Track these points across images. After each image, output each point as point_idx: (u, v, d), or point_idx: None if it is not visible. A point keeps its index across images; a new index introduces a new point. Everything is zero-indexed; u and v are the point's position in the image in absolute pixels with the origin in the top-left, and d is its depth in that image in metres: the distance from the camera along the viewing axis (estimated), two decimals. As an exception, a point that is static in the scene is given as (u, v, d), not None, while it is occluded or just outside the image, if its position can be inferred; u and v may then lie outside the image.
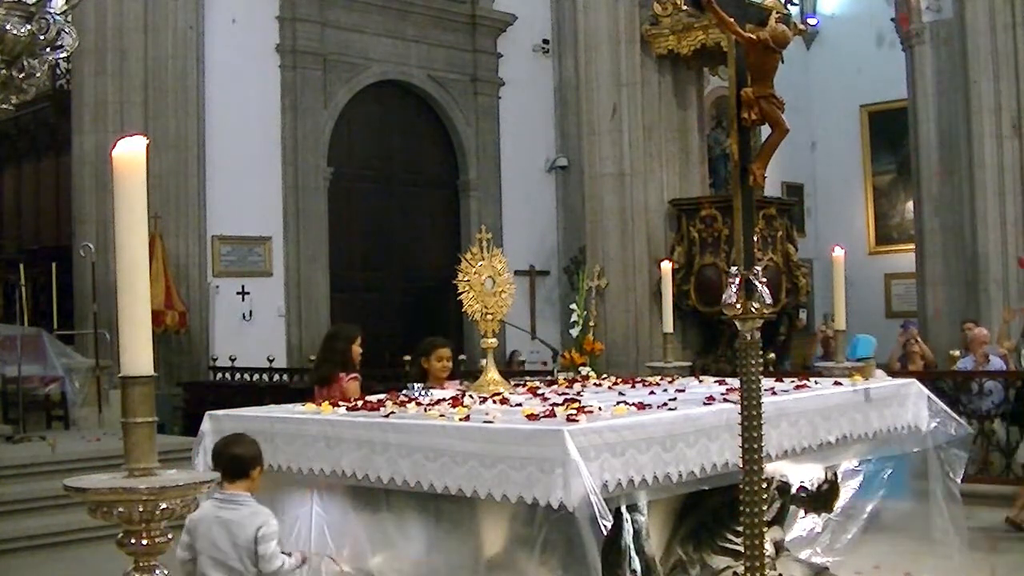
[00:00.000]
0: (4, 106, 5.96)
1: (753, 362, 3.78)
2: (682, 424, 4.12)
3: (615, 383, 5.76)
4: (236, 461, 4.16)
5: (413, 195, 16.33)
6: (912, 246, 16.09)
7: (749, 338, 3.80)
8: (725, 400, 4.42)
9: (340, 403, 4.90)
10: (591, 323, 7.09)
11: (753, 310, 3.78)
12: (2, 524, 7.96)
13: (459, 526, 4.08)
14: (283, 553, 4.14)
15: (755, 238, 4.49)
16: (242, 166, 14.02)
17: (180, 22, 13.20)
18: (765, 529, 3.82)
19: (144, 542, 2.29)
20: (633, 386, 5.54)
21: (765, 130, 4.03)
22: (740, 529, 3.88)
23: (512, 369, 12.16)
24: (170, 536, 2.38)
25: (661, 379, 6.01)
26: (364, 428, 4.28)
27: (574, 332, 6.82)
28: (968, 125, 12.93)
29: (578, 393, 5.05)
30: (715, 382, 5.72)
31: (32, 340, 11.55)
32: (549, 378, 6.21)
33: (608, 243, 11.05)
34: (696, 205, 10.77)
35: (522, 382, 5.97)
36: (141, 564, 2.32)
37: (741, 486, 3.79)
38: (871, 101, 19.39)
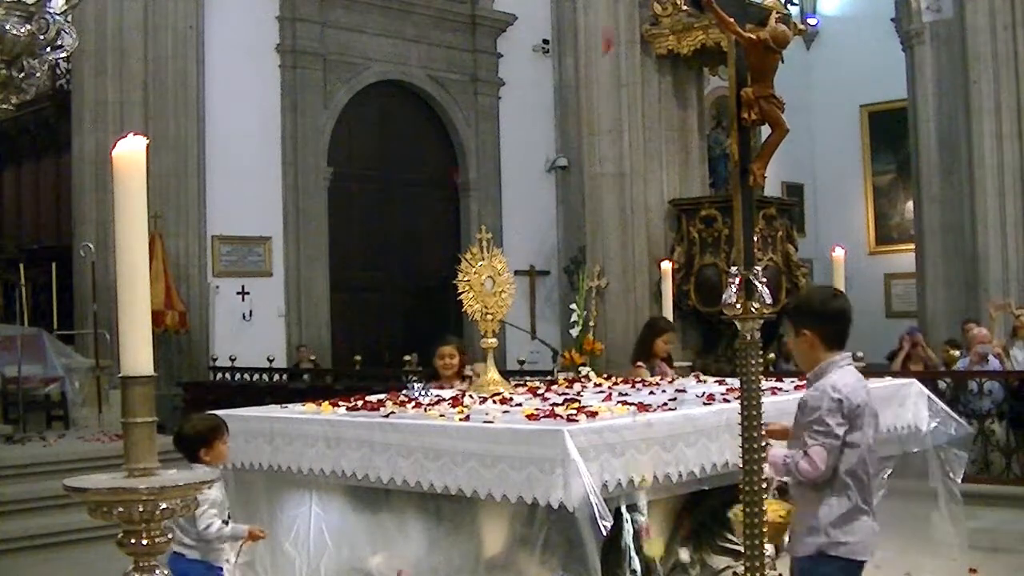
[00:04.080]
0: (4, 106, 5.94)
1: (753, 362, 3.78)
2: (682, 424, 4.12)
3: (615, 383, 5.76)
4: (180, 445, 4.49)
5: (413, 195, 16.33)
6: (912, 246, 16.08)
7: (749, 338, 3.80)
8: (725, 400, 4.43)
9: (340, 403, 4.90)
10: (591, 323, 7.09)
11: (753, 310, 3.78)
12: (2, 524, 7.96)
13: (459, 526, 4.08)
14: (223, 522, 4.39)
15: (755, 238, 4.49)
16: (242, 166, 14.01)
17: (180, 22, 13.19)
18: (765, 529, 3.82)
19: (144, 542, 2.29)
20: (633, 386, 5.54)
21: (765, 130, 4.02)
22: (740, 529, 3.88)
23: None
24: (170, 536, 2.38)
25: (661, 379, 6.02)
26: (364, 428, 4.28)
27: (574, 332, 6.82)
28: (968, 125, 12.91)
29: (578, 393, 5.05)
30: (715, 382, 5.72)
31: (32, 340, 11.55)
32: (549, 378, 6.22)
33: (608, 243, 11.04)
34: (696, 205, 10.76)
35: (522, 382, 5.97)
36: (141, 564, 2.32)
37: (741, 486, 3.79)
38: (871, 101, 19.38)
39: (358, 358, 12.91)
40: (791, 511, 3.94)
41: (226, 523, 4.48)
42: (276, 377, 12.90)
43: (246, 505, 4.79)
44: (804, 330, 3.75)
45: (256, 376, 12.88)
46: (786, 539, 3.98)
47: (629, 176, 10.91)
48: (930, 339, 12.17)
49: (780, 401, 4.61)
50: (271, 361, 12.96)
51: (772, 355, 9.66)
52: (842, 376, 3.73)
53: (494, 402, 4.70)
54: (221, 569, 4.54)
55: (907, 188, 17.97)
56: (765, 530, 3.86)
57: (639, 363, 6.56)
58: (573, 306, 6.96)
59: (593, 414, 4.05)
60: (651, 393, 5.04)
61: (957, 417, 5.61)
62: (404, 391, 5.33)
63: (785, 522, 3.99)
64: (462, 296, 5.25)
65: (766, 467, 3.80)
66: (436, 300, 14.58)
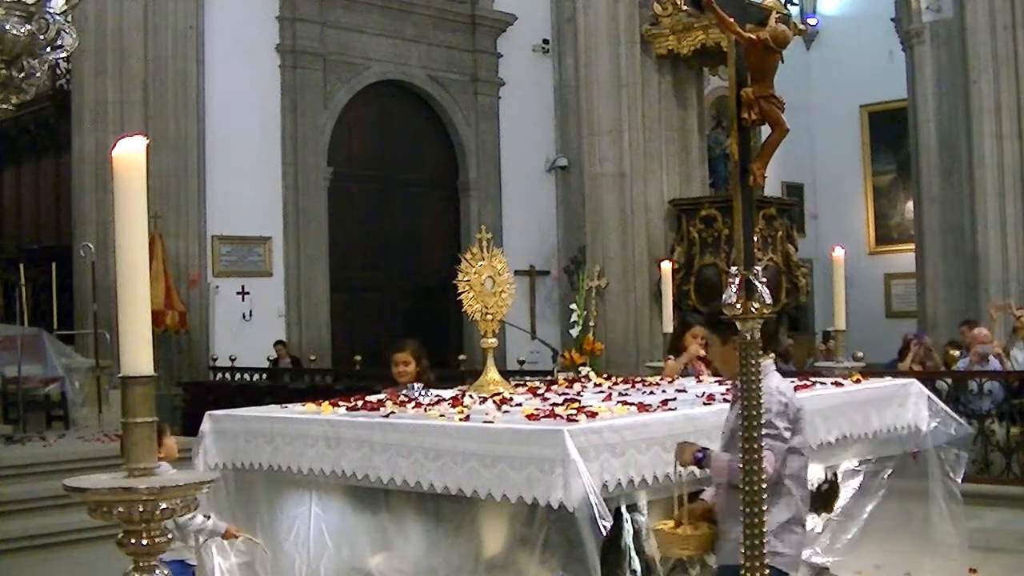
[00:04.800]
0: (4, 106, 5.95)
1: (753, 362, 3.78)
2: (682, 424, 4.12)
3: (615, 383, 5.75)
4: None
5: (413, 195, 16.33)
6: (912, 246, 16.09)
7: (749, 338, 3.80)
8: (725, 400, 4.42)
9: (340, 403, 4.90)
10: (591, 323, 7.07)
11: (753, 310, 3.77)
12: (2, 524, 7.96)
13: (459, 526, 4.08)
14: (205, 516, 4.48)
15: (755, 238, 4.49)
16: (242, 166, 14.01)
17: (180, 22, 13.21)
18: (765, 529, 3.81)
19: (144, 542, 2.29)
20: (633, 386, 5.54)
21: (765, 130, 4.02)
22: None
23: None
24: (170, 536, 2.38)
25: (661, 379, 6.01)
26: (364, 428, 4.27)
27: (574, 332, 6.81)
28: (968, 125, 12.92)
29: (578, 393, 5.05)
30: (715, 382, 5.72)
31: (32, 340, 11.55)
32: (549, 378, 6.21)
33: (608, 243, 11.05)
34: (696, 205, 10.77)
35: (522, 382, 5.96)
36: (141, 564, 2.31)
37: (741, 486, 3.79)
38: (871, 101, 19.40)
39: (358, 358, 12.90)
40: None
41: (207, 517, 4.51)
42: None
43: (246, 505, 4.78)
44: (735, 337, 3.74)
45: (256, 376, 12.88)
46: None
47: (629, 176, 10.91)
48: (930, 339, 12.17)
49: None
50: (271, 361, 12.95)
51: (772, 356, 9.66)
52: (779, 380, 3.80)
53: (494, 402, 4.69)
54: (194, 567, 4.55)
55: (907, 188, 17.98)
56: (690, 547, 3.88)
57: (669, 357, 6.57)
58: (573, 306, 6.94)
59: (593, 414, 4.05)
60: (651, 393, 5.03)
61: (957, 417, 5.60)
62: (404, 391, 5.32)
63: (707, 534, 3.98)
64: (462, 296, 5.25)
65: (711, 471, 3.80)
66: (436, 300, 14.58)
